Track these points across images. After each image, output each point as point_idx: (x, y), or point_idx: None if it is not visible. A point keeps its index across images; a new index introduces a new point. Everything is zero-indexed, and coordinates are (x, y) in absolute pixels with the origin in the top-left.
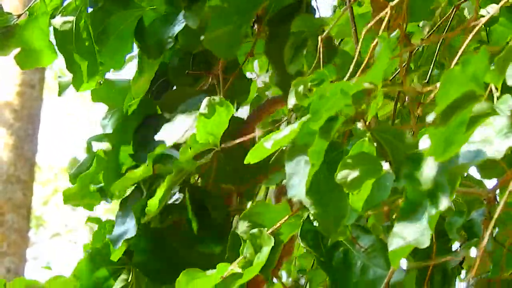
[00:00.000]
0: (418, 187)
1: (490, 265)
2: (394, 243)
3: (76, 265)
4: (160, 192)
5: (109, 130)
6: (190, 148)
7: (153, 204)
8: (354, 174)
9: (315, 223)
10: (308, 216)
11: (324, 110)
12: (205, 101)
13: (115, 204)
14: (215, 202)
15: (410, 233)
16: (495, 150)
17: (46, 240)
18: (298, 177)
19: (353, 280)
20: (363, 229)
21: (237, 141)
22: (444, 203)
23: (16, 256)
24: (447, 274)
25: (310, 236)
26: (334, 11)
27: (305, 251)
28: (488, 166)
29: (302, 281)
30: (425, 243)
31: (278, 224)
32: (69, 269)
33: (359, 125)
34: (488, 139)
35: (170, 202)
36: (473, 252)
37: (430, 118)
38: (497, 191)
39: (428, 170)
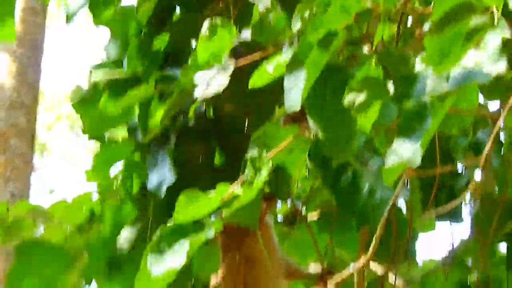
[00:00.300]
0: (411, 106)
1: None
2: (390, 160)
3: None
4: (161, 111)
5: (112, 56)
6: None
7: (154, 122)
8: (361, 97)
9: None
10: (318, 138)
11: (324, 25)
12: (206, 24)
13: None
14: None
15: (406, 151)
16: (484, 75)
17: (50, 166)
18: (296, 90)
19: (360, 202)
20: (373, 151)
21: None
22: (434, 125)
23: (20, 181)
24: (452, 194)
25: (318, 158)
26: None
27: (307, 174)
28: (490, 88)
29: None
30: (416, 161)
31: (282, 145)
32: (73, 194)
33: (365, 49)
34: (479, 63)
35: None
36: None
37: (426, 26)
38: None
39: (419, 90)
